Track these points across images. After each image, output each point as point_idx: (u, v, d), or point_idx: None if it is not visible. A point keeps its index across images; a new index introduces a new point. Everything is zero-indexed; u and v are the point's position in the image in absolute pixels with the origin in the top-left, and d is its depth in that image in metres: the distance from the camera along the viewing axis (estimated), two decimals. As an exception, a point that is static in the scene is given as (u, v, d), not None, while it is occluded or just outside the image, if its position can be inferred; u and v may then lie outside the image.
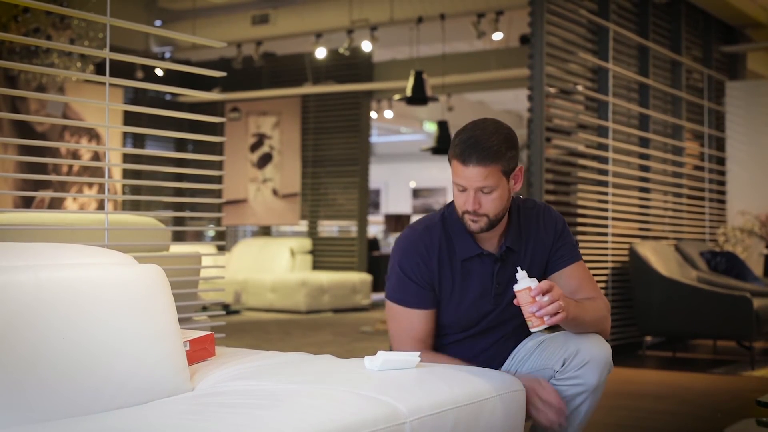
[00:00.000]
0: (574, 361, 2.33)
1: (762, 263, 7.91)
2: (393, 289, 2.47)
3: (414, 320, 2.46)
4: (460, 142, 2.30)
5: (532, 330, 2.22)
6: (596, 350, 2.32)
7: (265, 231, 12.21)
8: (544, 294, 2.17)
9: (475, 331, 2.51)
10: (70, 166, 9.54)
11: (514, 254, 2.46)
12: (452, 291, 2.45)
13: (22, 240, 2.72)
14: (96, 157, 9.81)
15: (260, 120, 11.65)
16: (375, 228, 16.27)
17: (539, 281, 2.30)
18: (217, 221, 10.83)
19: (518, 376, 2.36)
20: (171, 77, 10.72)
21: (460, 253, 2.44)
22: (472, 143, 2.28)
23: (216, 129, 10.74)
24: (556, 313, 2.18)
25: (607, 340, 2.41)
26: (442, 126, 10.36)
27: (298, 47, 11.00)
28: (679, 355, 6.53)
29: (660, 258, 6.33)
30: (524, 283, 2.21)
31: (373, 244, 13.51)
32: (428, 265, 2.43)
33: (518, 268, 2.25)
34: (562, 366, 2.34)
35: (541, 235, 2.50)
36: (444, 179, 18.78)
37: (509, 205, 2.44)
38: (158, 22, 10.21)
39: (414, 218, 15.34)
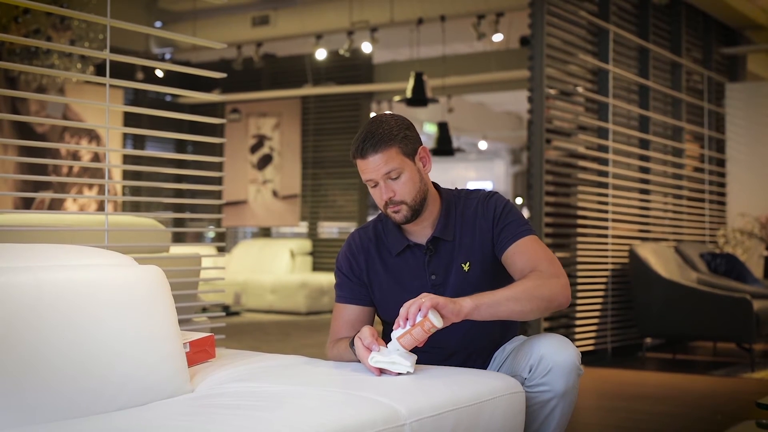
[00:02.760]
0: (539, 368, 2.30)
1: (762, 265, 7.91)
2: (335, 288, 2.56)
3: (342, 314, 2.50)
4: (355, 141, 2.35)
5: (400, 342, 2.17)
6: (560, 356, 2.28)
7: (265, 232, 12.21)
8: (407, 319, 2.15)
9: None
10: (70, 167, 9.54)
11: (446, 243, 2.44)
12: (387, 286, 2.46)
13: (22, 241, 2.72)
14: (96, 158, 9.81)
15: (260, 121, 11.65)
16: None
17: (493, 267, 2.37)
18: (217, 222, 10.82)
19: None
20: (171, 78, 10.73)
21: (391, 248, 2.47)
22: (363, 137, 2.32)
23: (216, 130, 10.74)
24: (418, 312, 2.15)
25: (561, 306, 2.29)
26: (443, 127, 10.37)
27: (298, 48, 11.01)
28: (679, 357, 6.53)
29: (660, 260, 6.33)
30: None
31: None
32: (357, 261, 2.48)
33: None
34: (529, 373, 2.31)
35: (480, 222, 2.44)
36: (444, 180, 18.74)
37: (427, 189, 2.42)
38: (158, 24, 10.21)
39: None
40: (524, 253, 2.38)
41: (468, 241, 2.43)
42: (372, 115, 11.35)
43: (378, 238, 2.50)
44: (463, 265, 2.42)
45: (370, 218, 12.30)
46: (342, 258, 2.52)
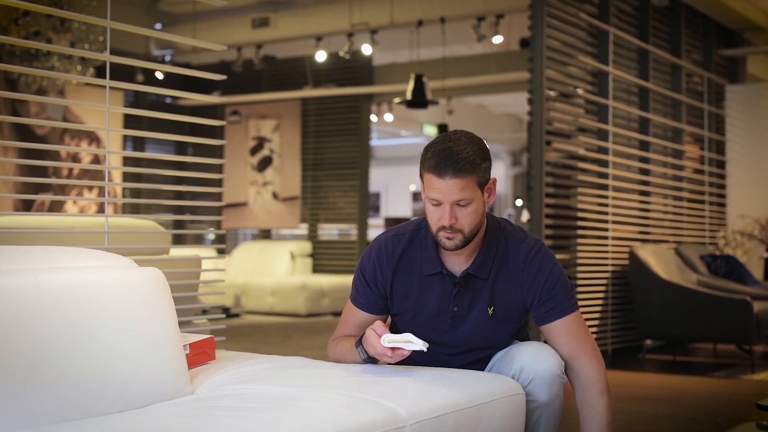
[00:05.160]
0: (520, 378, 2.30)
1: (762, 267, 7.90)
2: (352, 285, 2.49)
3: (352, 316, 2.47)
4: (433, 154, 2.22)
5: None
6: (540, 366, 2.28)
7: (265, 234, 12.21)
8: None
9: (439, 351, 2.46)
10: (70, 169, 9.54)
11: (478, 281, 2.37)
12: (407, 301, 2.40)
13: (22, 243, 2.72)
14: (96, 160, 9.81)
15: (260, 123, 11.66)
16: (375, 231, 16.25)
17: (516, 317, 2.36)
18: (217, 224, 10.80)
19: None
20: (171, 80, 10.73)
21: (423, 267, 2.38)
22: (446, 155, 2.20)
23: (216, 132, 10.74)
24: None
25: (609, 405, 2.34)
26: (443, 129, 10.38)
27: (298, 50, 11.01)
28: (679, 359, 6.53)
29: (660, 261, 6.33)
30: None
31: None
32: (383, 271, 2.40)
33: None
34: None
35: (521, 276, 2.35)
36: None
37: (483, 221, 2.34)
38: (158, 26, 10.21)
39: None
40: (570, 336, 2.35)
41: (501, 287, 2.37)
42: (372, 117, 11.37)
43: (413, 249, 2.40)
44: (488, 308, 2.37)
45: (370, 221, 12.28)
46: (368, 262, 2.43)
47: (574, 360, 2.34)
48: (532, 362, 2.29)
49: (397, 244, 2.41)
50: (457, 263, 2.37)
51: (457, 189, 2.21)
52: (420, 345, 2.18)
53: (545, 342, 2.41)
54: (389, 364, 2.31)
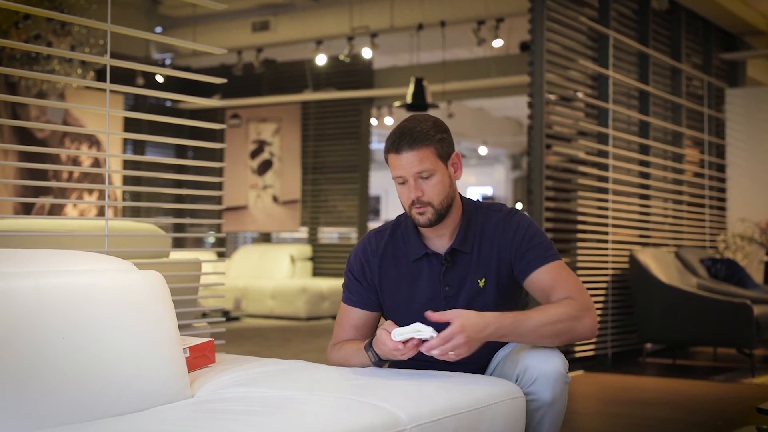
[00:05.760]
0: (525, 378, 2.30)
1: (762, 270, 7.90)
2: (343, 288, 2.55)
3: (349, 317, 2.50)
4: (389, 136, 2.35)
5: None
6: (545, 366, 2.28)
7: (265, 238, 12.22)
8: (445, 342, 2.15)
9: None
10: (71, 173, 9.54)
11: (464, 255, 2.42)
12: (399, 291, 2.45)
13: (22, 246, 2.72)
14: (96, 163, 9.82)
15: (260, 127, 11.66)
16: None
17: (508, 285, 2.37)
18: (217, 228, 10.80)
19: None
20: (171, 84, 10.74)
21: (409, 254, 2.45)
22: (401, 132, 2.32)
23: (216, 135, 10.74)
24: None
25: (588, 339, 2.35)
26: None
27: (298, 54, 11.02)
28: (679, 363, 6.53)
29: (660, 265, 6.33)
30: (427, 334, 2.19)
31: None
32: (370, 265, 2.47)
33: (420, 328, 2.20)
34: (516, 382, 2.31)
35: (500, 238, 2.41)
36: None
37: (454, 196, 2.40)
38: (159, 29, 10.23)
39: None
40: (548, 280, 2.35)
41: (486, 257, 2.41)
42: (373, 121, 11.39)
43: (395, 241, 2.48)
44: (479, 280, 2.41)
45: (370, 224, 12.30)
46: (354, 260, 2.51)
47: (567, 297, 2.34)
48: (537, 361, 2.29)
49: (379, 239, 2.50)
50: (441, 244, 2.44)
51: (416, 161, 2.30)
52: (429, 332, 2.17)
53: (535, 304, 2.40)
54: (401, 361, 2.30)
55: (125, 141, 10.91)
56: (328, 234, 11.89)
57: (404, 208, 2.40)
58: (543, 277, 2.36)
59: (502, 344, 2.47)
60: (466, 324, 2.16)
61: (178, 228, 11.03)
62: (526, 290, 2.43)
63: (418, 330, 2.19)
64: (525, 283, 2.40)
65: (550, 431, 2.35)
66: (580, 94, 6.39)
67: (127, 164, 9.81)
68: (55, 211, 9.25)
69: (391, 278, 2.45)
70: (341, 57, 9.89)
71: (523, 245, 2.38)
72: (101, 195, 8.90)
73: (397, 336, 2.20)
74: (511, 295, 2.44)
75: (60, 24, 7.88)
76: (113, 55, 3.11)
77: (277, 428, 1.78)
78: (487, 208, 2.49)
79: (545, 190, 5.82)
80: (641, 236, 6.92)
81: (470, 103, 13.87)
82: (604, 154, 6.47)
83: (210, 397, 2.16)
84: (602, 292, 6.34)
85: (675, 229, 7.49)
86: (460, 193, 2.47)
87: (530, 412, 2.31)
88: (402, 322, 2.31)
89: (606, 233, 6.42)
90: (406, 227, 2.48)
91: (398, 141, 2.31)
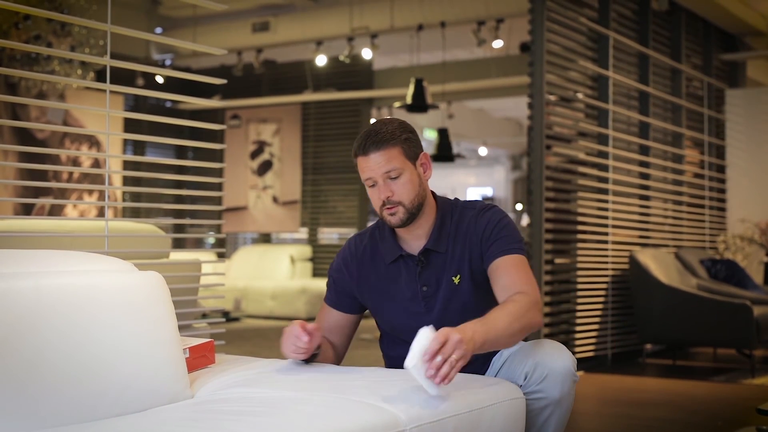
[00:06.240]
0: (534, 375, 2.30)
1: (762, 271, 7.91)
2: (326, 288, 2.62)
3: (325, 316, 2.57)
4: (357, 139, 2.37)
5: (431, 393, 2.03)
6: (555, 363, 2.28)
7: (265, 238, 12.21)
8: (434, 355, 1.97)
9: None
10: (71, 173, 9.54)
11: (439, 255, 2.42)
12: (379, 294, 2.48)
13: (22, 247, 2.72)
14: (96, 164, 9.82)
15: (260, 127, 11.66)
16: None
17: (483, 280, 2.34)
18: (217, 228, 10.82)
19: None
20: (171, 84, 10.74)
21: (385, 255, 2.47)
22: (366, 135, 2.35)
23: (216, 136, 10.72)
24: (450, 371, 1.99)
25: (536, 331, 2.33)
26: (443, 133, 10.37)
27: (298, 55, 11.02)
28: (679, 363, 6.53)
29: (660, 266, 6.33)
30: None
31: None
32: (349, 269, 2.52)
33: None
34: (525, 380, 2.31)
35: (471, 233, 2.42)
36: (444, 186, 18.79)
37: (425, 196, 2.41)
38: (159, 30, 10.22)
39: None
40: (510, 272, 2.34)
41: (459, 254, 2.42)
42: (372, 120, 11.38)
43: (374, 244, 2.51)
44: (453, 278, 2.42)
45: (370, 224, 12.36)
46: (335, 263, 2.58)
47: (508, 293, 2.30)
48: (547, 359, 2.29)
49: (359, 243, 2.54)
50: (417, 245, 2.45)
51: (383, 161, 2.32)
52: (423, 332, 2.01)
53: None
54: (401, 361, 2.26)
55: (125, 141, 10.91)
56: (328, 235, 11.89)
57: (377, 211, 2.41)
58: (499, 266, 2.35)
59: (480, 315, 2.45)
60: (451, 329, 2.04)
61: (178, 229, 11.04)
62: (489, 280, 2.40)
63: (417, 342, 2.06)
64: (488, 273, 2.39)
65: (556, 430, 2.35)
66: (580, 95, 6.39)
67: (127, 165, 9.81)
68: (55, 211, 9.25)
69: (370, 280, 2.49)
70: (341, 58, 9.89)
71: (491, 237, 2.40)
72: (101, 195, 8.90)
73: (410, 365, 2.01)
74: (488, 289, 2.42)
75: (60, 24, 7.88)
76: (113, 56, 3.11)
77: (277, 428, 1.78)
78: (462, 206, 2.49)
79: (545, 191, 5.82)
80: (641, 237, 6.93)
81: (470, 103, 13.88)
82: (604, 154, 6.48)
83: (210, 397, 2.16)
84: (602, 292, 6.34)
85: (675, 230, 7.49)
86: (434, 193, 2.50)
87: (538, 410, 2.31)
88: (388, 324, 2.38)
89: (606, 234, 6.42)
90: (383, 229, 2.50)
91: (364, 143, 2.34)
